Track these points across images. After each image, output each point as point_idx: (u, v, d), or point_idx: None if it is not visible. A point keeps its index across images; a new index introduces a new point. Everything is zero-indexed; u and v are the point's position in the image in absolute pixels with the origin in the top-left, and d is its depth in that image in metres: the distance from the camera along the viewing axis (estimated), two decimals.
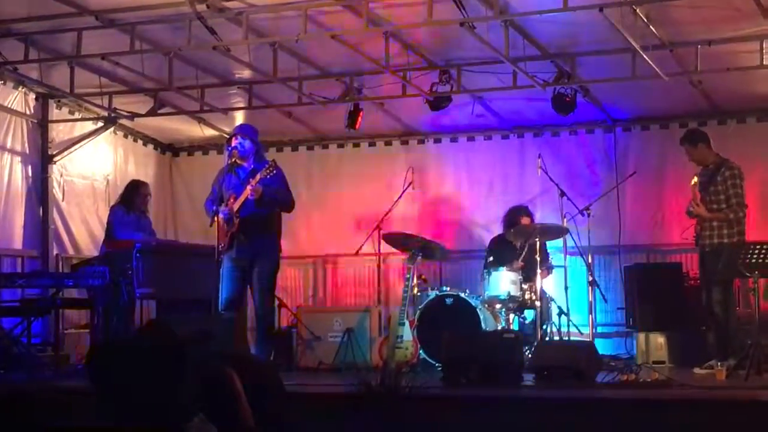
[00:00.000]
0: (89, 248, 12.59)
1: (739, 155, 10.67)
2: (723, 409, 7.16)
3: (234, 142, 9.91)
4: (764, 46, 9.93)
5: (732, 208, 9.65)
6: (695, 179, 9.84)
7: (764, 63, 10.10)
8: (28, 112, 12.13)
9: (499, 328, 10.67)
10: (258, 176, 9.54)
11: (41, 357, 10.83)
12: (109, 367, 2.98)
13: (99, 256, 11.08)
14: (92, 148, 13.01)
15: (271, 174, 9.59)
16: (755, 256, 9.23)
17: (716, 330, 9.77)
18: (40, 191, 12.26)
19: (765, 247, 9.34)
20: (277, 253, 10.02)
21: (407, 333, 10.60)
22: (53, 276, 10.93)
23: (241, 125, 10.73)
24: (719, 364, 9.21)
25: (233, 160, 9.85)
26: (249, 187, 9.52)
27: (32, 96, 12.14)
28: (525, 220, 11.58)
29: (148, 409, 2.90)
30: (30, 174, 12.15)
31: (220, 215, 9.64)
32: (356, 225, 13.61)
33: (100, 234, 12.06)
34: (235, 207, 9.64)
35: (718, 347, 9.67)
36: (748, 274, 9.32)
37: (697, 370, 9.64)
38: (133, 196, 11.57)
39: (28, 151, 12.14)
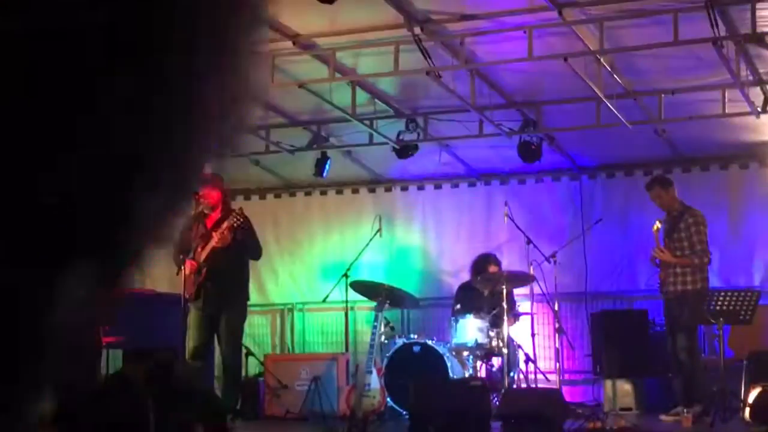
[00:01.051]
0: None
1: (703, 202, 10.80)
2: None
3: (201, 191, 9.88)
4: (726, 94, 10.05)
5: (697, 254, 9.73)
6: (657, 224, 9.93)
7: (726, 111, 10.23)
8: None
9: (467, 375, 10.66)
10: (225, 224, 9.52)
11: None
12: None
13: None
14: None
15: (238, 222, 9.57)
16: (719, 303, 9.31)
17: (682, 376, 9.81)
18: None
19: (728, 294, 9.45)
20: (245, 302, 9.97)
21: (375, 381, 10.57)
22: None
23: (206, 174, 10.71)
24: (685, 410, 9.25)
25: (200, 209, 9.82)
26: (216, 235, 9.50)
27: None
28: (492, 268, 11.61)
29: None
30: None
31: (188, 265, 9.59)
32: (324, 273, 13.60)
33: None
34: (202, 256, 9.61)
35: (684, 394, 9.71)
36: (713, 321, 9.39)
37: (663, 417, 9.67)
38: None
39: None
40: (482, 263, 11.74)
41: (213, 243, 9.52)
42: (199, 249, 9.65)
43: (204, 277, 9.60)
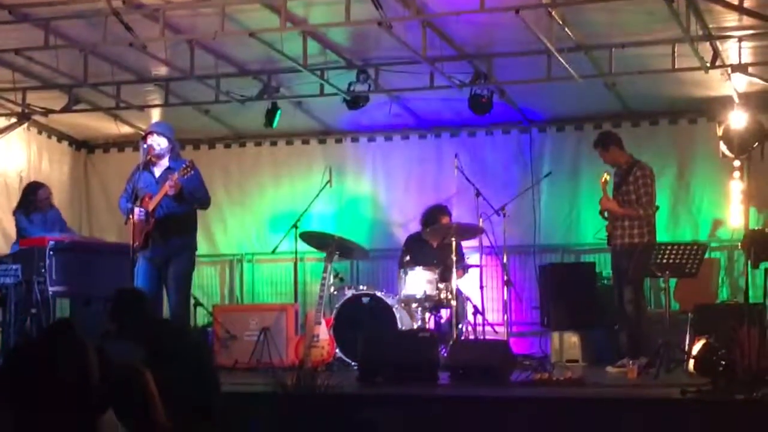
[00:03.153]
0: (1, 246, 12.40)
1: (652, 157, 10.88)
2: (634, 407, 7.27)
3: (149, 140, 9.82)
4: (676, 49, 10.09)
5: (642, 206, 9.81)
6: (605, 176, 9.99)
7: (676, 66, 10.27)
8: None
9: (415, 327, 10.71)
10: (176, 175, 9.47)
11: None
12: (19, 372, 2.95)
13: (11, 254, 10.93)
14: (5, 145, 12.81)
15: (189, 174, 9.53)
16: (665, 256, 9.41)
17: (628, 329, 9.91)
18: None
19: (675, 247, 9.54)
20: (193, 252, 9.96)
21: (323, 332, 10.61)
22: None
23: (156, 123, 10.64)
24: (631, 362, 9.36)
25: (149, 158, 9.77)
26: (167, 185, 9.45)
27: None
28: (445, 220, 11.65)
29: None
30: None
31: (136, 213, 9.55)
32: (273, 223, 13.58)
33: (13, 231, 11.88)
34: (151, 206, 9.57)
35: (629, 346, 9.82)
36: (658, 274, 9.49)
37: (609, 369, 9.79)
38: (29, 198, 11.45)
39: None
40: (434, 214, 11.77)
41: (163, 192, 9.48)
42: (147, 198, 9.61)
43: (152, 226, 9.58)
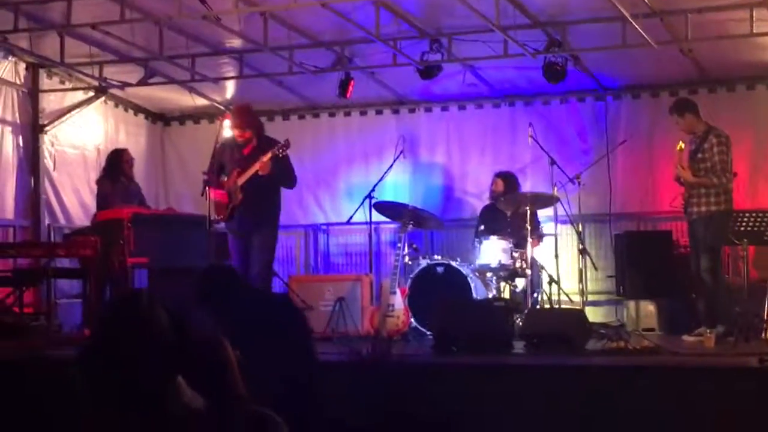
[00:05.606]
0: (80, 218, 12.61)
1: (729, 123, 10.71)
2: (711, 376, 7.21)
3: (234, 133, 9.95)
4: (754, 14, 9.93)
5: (717, 174, 9.67)
6: (681, 144, 9.85)
7: (754, 31, 10.11)
8: (18, 82, 12.12)
9: (490, 296, 10.71)
10: (270, 154, 9.59)
11: (33, 327, 10.84)
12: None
13: (90, 226, 11.10)
14: (83, 118, 13.00)
15: (283, 153, 9.68)
16: (744, 223, 9.28)
17: (705, 297, 9.82)
18: (31, 161, 12.26)
19: (754, 214, 9.40)
20: (276, 225, 10.10)
21: (398, 302, 10.64)
22: (45, 246, 10.94)
23: (235, 111, 10.54)
24: (708, 331, 9.27)
25: (234, 135, 9.94)
26: (259, 163, 9.57)
27: (23, 66, 12.12)
28: (497, 184, 11.74)
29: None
30: (21, 144, 12.16)
31: (212, 192, 9.70)
32: (347, 194, 13.64)
33: (92, 204, 12.06)
34: (241, 180, 9.70)
35: (707, 315, 9.72)
36: (737, 242, 9.37)
37: (686, 338, 9.70)
38: (117, 165, 11.58)
39: (18, 121, 12.14)
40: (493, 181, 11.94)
41: (254, 169, 9.60)
42: (235, 174, 9.74)
43: (240, 202, 9.72)
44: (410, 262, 11.21)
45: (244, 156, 9.85)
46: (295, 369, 4.74)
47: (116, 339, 2.92)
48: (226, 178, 9.91)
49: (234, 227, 9.86)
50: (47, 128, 12.42)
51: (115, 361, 2.88)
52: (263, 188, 9.77)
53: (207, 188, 9.71)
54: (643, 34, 10.01)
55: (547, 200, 11.13)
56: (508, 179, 11.88)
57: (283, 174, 9.86)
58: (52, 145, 12.55)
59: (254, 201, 9.76)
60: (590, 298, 12.11)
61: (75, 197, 12.83)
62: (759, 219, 9.34)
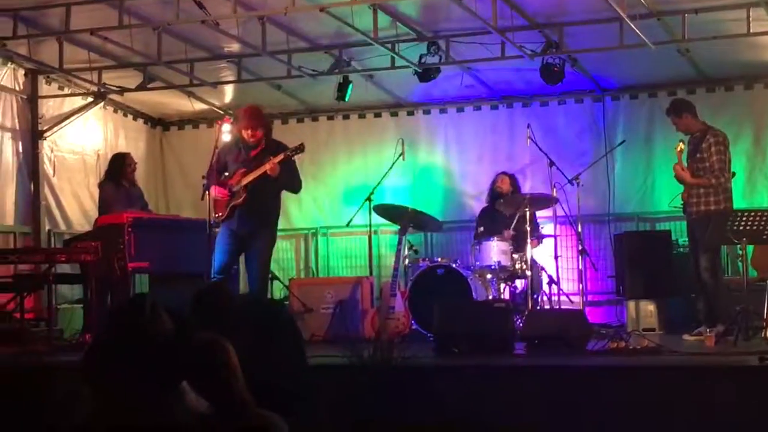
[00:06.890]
0: (81, 223, 12.62)
1: (727, 122, 10.75)
2: (712, 375, 7.22)
3: (245, 128, 9.82)
4: (751, 13, 9.95)
5: (714, 174, 9.68)
6: (680, 145, 9.86)
7: (751, 30, 10.13)
8: (17, 88, 12.14)
9: (490, 297, 10.72)
10: (282, 155, 9.51)
11: (34, 332, 10.85)
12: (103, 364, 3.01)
13: (91, 231, 11.10)
14: (82, 124, 13.02)
15: (293, 154, 9.62)
16: (742, 223, 9.28)
17: (705, 297, 9.82)
18: (30, 167, 12.28)
19: (752, 214, 9.41)
20: (275, 229, 10.05)
21: (399, 304, 10.65)
22: (45, 252, 10.95)
23: (246, 113, 10.40)
24: (708, 330, 9.29)
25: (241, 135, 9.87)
26: (269, 165, 9.48)
27: (21, 72, 12.15)
28: (503, 182, 11.74)
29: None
30: (20, 150, 12.18)
31: (214, 191, 9.64)
32: (347, 197, 13.65)
33: (92, 209, 12.08)
34: (245, 180, 9.58)
35: (706, 314, 9.73)
36: (735, 241, 9.39)
37: (686, 337, 9.71)
38: (120, 169, 11.55)
39: (18, 127, 12.17)
40: (493, 182, 11.88)
41: (263, 170, 9.48)
42: (240, 173, 9.64)
43: (243, 201, 9.61)
44: (410, 264, 11.22)
45: (251, 157, 9.78)
46: (285, 373, 4.74)
47: (120, 345, 2.93)
48: (228, 177, 9.82)
49: (232, 226, 9.77)
50: (47, 134, 12.45)
51: (118, 366, 2.90)
52: (268, 190, 9.72)
53: (207, 192, 9.68)
54: (640, 34, 10.03)
55: (546, 201, 11.15)
56: (513, 178, 11.94)
57: (291, 177, 9.80)
58: (52, 151, 12.57)
59: (258, 202, 9.71)
60: (590, 298, 12.14)
61: (75, 202, 12.85)
62: (757, 218, 9.34)
